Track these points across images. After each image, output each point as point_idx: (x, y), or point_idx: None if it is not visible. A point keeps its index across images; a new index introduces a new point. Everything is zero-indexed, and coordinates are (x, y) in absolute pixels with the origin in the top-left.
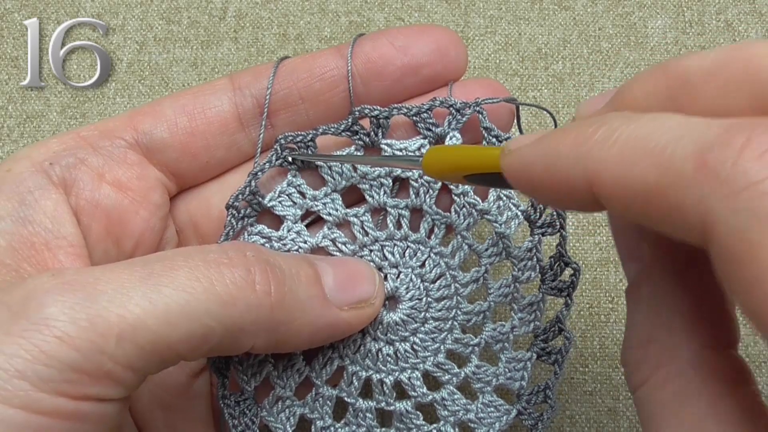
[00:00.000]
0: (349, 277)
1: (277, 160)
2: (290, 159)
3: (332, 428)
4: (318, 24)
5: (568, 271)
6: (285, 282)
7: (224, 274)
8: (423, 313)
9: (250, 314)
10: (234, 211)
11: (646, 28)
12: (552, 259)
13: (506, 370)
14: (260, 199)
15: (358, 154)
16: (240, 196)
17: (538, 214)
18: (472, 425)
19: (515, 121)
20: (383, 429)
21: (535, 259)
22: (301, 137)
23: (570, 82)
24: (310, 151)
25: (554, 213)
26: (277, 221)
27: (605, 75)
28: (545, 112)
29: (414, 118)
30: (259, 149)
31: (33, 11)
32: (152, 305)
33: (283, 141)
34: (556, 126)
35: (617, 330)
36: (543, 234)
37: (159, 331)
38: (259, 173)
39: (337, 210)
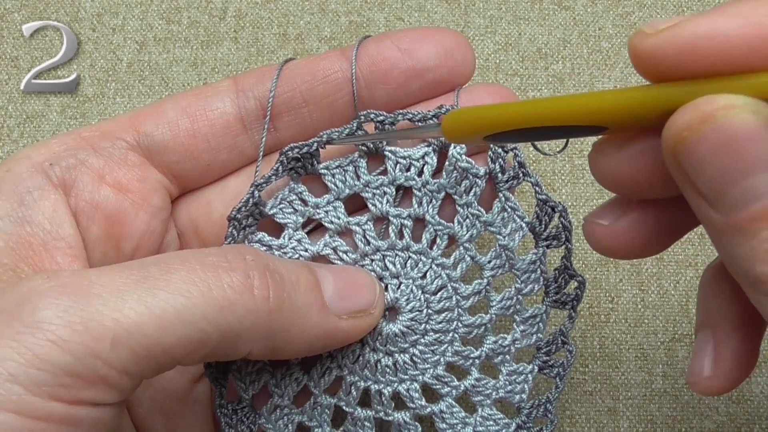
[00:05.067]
0: (349, 285)
1: (283, 172)
2: (323, 143)
3: None
4: (318, 24)
5: (572, 284)
6: (284, 288)
7: (222, 278)
8: (423, 325)
9: (248, 320)
10: (235, 222)
11: None
12: (557, 272)
13: (506, 383)
14: (262, 208)
15: (362, 160)
16: (243, 208)
17: (543, 226)
18: None
19: None
20: None
21: (539, 272)
22: (306, 148)
23: (570, 82)
24: (315, 161)
25: (560, 225)
26: (277, 226)
27: (605, 75)
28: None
29: (419, 124)
30: (261, 153)
31: (33, 12)
32: (148, 309)
33: (290, 153)
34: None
35: (617, 330)
36: (548, 246)
37: (154, 335)
38: (263, 185)
39: (339, 218)
